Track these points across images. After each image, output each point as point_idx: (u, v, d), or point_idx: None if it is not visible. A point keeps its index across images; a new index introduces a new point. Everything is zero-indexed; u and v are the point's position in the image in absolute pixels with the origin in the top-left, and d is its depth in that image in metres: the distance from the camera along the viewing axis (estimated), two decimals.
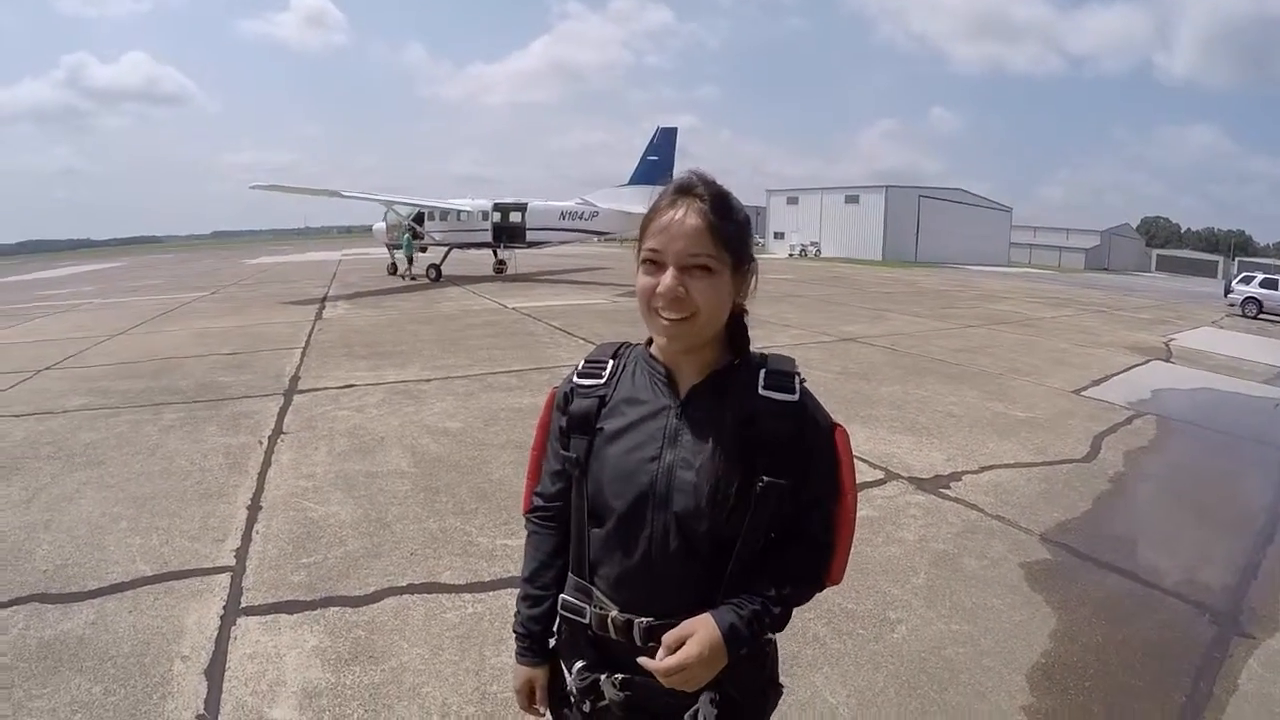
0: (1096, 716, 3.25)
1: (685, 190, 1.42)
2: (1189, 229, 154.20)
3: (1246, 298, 27.48)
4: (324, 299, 19.81)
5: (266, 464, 6.04)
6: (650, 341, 1.55)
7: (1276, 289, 27.61)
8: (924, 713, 3.21)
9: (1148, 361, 13.39)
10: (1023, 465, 6.73)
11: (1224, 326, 22.03)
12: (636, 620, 1.44)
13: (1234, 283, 29.63)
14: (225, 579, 4.08)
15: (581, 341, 12.60)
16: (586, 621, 1.50)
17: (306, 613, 3.74)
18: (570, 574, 1.57)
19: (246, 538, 4.63)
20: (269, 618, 3.69)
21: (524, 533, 1.70)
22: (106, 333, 13.80)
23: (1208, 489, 6.64)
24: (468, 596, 3.99)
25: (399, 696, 3.14)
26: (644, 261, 1.42)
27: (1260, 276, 29.08)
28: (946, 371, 11.09)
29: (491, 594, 4.02)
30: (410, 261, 26.89)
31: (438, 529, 4.85)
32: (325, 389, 8.77)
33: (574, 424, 1.53)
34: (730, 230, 1.40)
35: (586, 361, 1.60)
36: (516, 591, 1.65)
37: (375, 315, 16.18)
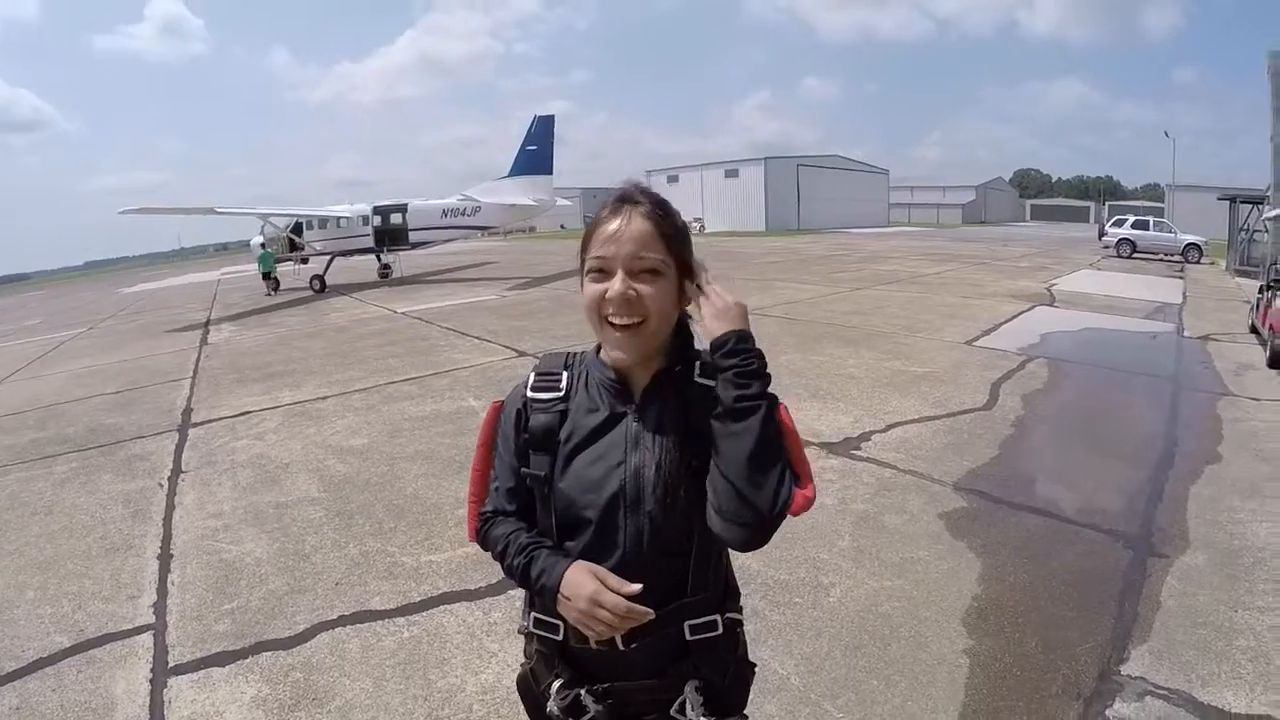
0: (1033, 650, 3.50)
1: (626, 199, 1.44)
2: (1059, 178, 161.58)
3: (1120, 239, 29.50)
4: (207, 323, 18.95)
5: (170, 507, 5.80)
6: (599, 349, 1.54)
7: (1148, 229, 29.76)
8: (870, 670, 3.39)
9: (1033, 308, 14.22)
10: (927, 419, 7.09)
11: (1101, 268, 23.47)
12: None
13: (1107, 226, 31.74)
14: (148, 639, 3.93)
15: (476, 341, 12.55)
16: (561, 638, 1.52)
17: (238, 662, 3.65)
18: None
19: (162, 590, 4.46)
20: (200, 674, 3.58)
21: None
22: None
23: (1103, 423, 7.18)
24: (401, 620, 3.96)
25: None
26: (590, 272, 1.44)
27: (1132, 219, 31.31)
28: (842, 335, 11.54)
29: (425, 614, 4.01)
30: (267, 277, 26.03)
31: (358, 554, 4.78)
32: (220, 419, 8.45)
33: (535, 440, 1.52)
34: (674, 233, 1.45)
35: (538, 374, 1.58)
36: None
37: (263, 335, 15.61)
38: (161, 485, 6.34)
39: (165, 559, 4.90)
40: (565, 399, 1.53)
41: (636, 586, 1.38)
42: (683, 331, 1.54)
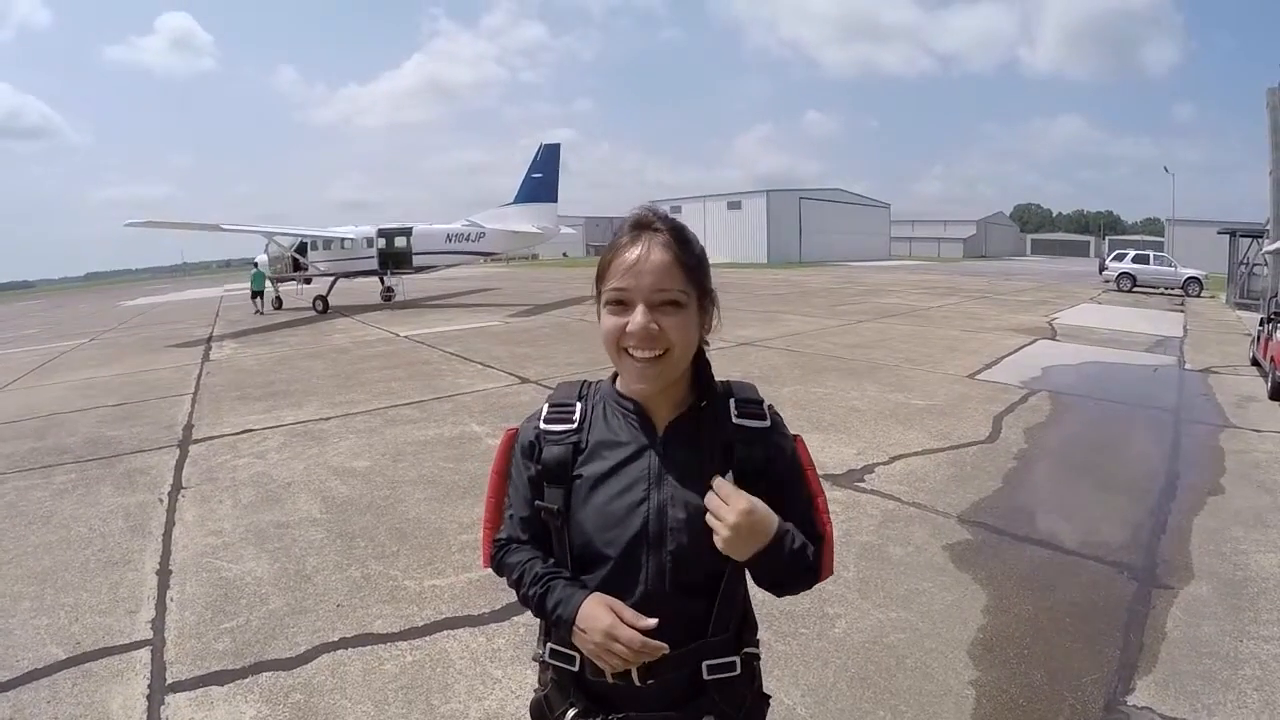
0: (1039, 681, 3.48)
1: (643, 226, 1.40)
2: (1060, 213, 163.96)
3: (1121, 273, 29.76)
4: (209, 339, 18.99)
5: (170, 523, 5.77)
6: (615, 378, 1.51)
7: (1149, 263, 30.03)
8: (877, 700, 3.37)
9: (1034, 341, 14.29)
10: (931, 451, 7.10)
11: (1102, 302, 23.58)
12: None
13: (1108, 260, 32.02)
14: (145, 654, 3.89)
15: (479, 366, 12.53)
16: (577, 669, 1.47)
17: (238, 682, 3.60)
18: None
19: (161, 606, 4.42)
20: (199, 692, 3.53)
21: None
22: None
23: (1106, 455, 7.18)
24: (404, 644, 3.92)
25: None
26: (609, 303, 1.40)
27: (1132, 253, 31.62)
28: (844, 367, 11.54)
29: (428, 639, 3.97)
30: (258, 296, 26.60)
31: (360, 576, 4.74)
32: (222, 436, 8.44)
33: (548, 473, 1.47)
34: (693, 263, 1.41)
35: (551, 405, 1.54)
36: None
37: (265, 353, 15.62)
38: (161, 500, 6.31)
39: (164, 575, 4.86)
40: (578, 430, 1.49)
41: (652, 621, 1.35)
42: (700, 359, 1.50)
